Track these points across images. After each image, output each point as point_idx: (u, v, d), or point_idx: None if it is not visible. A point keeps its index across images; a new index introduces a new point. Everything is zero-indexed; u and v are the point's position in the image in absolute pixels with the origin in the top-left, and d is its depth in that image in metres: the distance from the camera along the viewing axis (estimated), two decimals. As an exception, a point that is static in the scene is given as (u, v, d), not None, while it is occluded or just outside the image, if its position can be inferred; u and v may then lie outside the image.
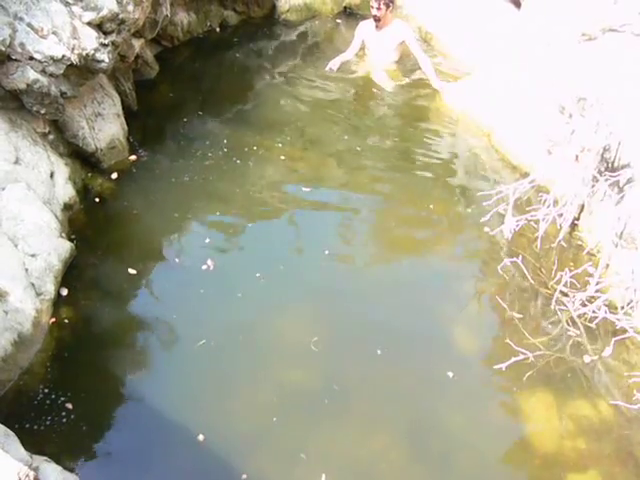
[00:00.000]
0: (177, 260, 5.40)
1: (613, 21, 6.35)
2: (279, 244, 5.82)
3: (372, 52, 8.47)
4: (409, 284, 5.64)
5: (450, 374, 4.87)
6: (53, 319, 4.65)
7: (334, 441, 4.44)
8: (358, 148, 7.07)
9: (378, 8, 8.02)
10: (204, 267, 5.33)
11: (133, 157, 6.18)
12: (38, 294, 4.56)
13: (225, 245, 5.68)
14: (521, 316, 5.37)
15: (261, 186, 6.31)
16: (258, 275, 5.34)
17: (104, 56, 5.50)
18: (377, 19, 8.14)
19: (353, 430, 4.51)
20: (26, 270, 4.56)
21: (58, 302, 4.79)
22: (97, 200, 5.70)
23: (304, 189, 6.34)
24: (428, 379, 4.91)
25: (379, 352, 4.93)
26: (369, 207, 6.43)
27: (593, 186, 5.86)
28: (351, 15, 9.70)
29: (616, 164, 5.83)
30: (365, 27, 8.44)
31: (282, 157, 6.67)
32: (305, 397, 4.64)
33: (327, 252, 5.71)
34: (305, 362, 4.85)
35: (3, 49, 4.84)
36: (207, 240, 5.59)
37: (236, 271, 5.44)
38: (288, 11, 9.20)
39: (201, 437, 4.25)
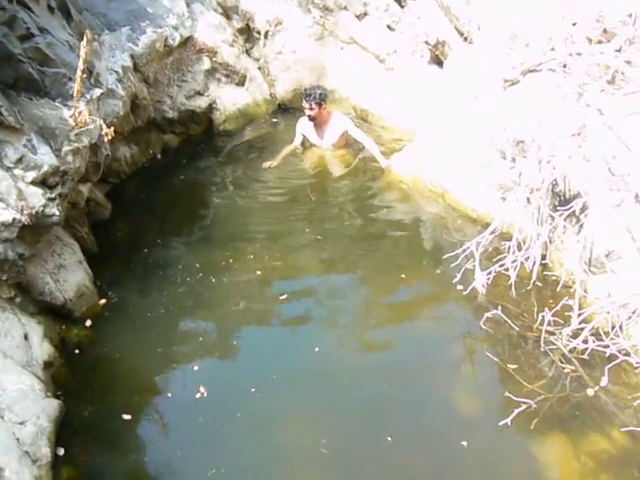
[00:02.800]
0: (169, 395, 5.31)
1: (530, 62, 6.63)
2: (268, 354, 5.76)
3: (316, 145, 8.67)
4: (401, 360, 5.63)
5: (464, 443, 4.81)
6: (54, 483, 4.55)
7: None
8: (320, 238, 7.17)
9: (311, 108, 8.21)
10: (197, 395, 5.23)
11: (103, 301, 6.13)
12: (34, 461, 4.47)
13: (214, 368, 5.61)
14: (515, 365, 5.37)
15: (239, 301, 6.30)
16: (253, 390, 5.27)
17: (54, 210, 5.57)
18: (312, 119, 8.35)
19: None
20: (17, 440, 4.47)
21: (56, 464, 4.66)
22: (77, 351, 5.62)
23: (282, 294, 6.32)
24: (442, 452, 4.85)
25: (389, 439, 4.86)
26: (346, 293, 6.49)
27: (551, 223, 5.98)
28: (286, 111, 9.98)
29: (567, 196, 5.99)
30: (304, 124, 8.63)
31: (253, 266, 6.69)
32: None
33: (317, 349, 5.66)
34: (320, 467, 4.76)
35: (-47, 228, 4.91)
36: (195, 368, 5.52)
37: (230, 391, 5.36)
38: (225, 121, 9.42)
39: None
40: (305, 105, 8.21)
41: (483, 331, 5.71)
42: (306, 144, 8.76)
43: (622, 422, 4.92)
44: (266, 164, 8.38)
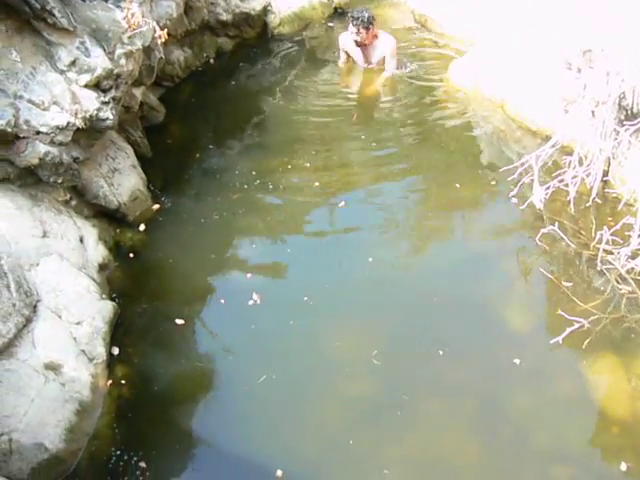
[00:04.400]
0: (222, 301, 5.37)
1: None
2: (322, 263, 5.75)
3: (361, 65, 8.37)
4: (454, 273, 5.59)
5: (516, 361, 4.79)
6: (110, 381, 4.69)
7: (413, 449, 4.40)
8: (375, 144, 7.05)
9: (358, 32, 7.81)
10: (251, 302, 5.28)
11: (156, 206, 6.18)
12: (90, 359, 4.63)
13: (267, 276, 5.65)
14: (569, 284, 5.28)
15: (295, 209, 6.28)
16: (306, 299, 5.31)
17: (107, 114, 5.55)
18: (360, 44, 8.01)
19: (430, 436, 4.47)
20: (74, 339, 4.63)
21: (111, 363, 4.83)
22: (131, 255, 5.72)
23: (338, 203, 6.28)
24: (493, 369, 4.85)
25: (441, 352, 4.87)
26: (400, 201, 6.41)
27: (616, 138, 5.74)
28: (342, 15, 9.64)
29: (635, 111, 5.71)
30: (347, 41, 8.20)
31: (310, 173, 6.64)
32: (377, 413, 4.59)
33: (371, 259, 5.64)
34: (371, 378, 4.80)
35: (10, 130, 4.92)
36: (248, 275, 5.57)
37: (283, 300, 5.39)
38: (280, 25, 9.19)
39: (279, 473, 4.22)
40: (352, 29, 7.82)
41: (539, 247, 5.60)
42: (349, 62, 8.45)
43: (677, 344, 4.83)
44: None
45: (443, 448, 4.42)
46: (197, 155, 6.89)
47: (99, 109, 5.48)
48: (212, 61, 8.60)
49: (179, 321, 5.15)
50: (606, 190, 5.96)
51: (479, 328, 5.13)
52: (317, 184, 6.47)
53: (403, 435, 4.46)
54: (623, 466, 4.21)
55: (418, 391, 4.70)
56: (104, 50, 5.56)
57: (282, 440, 4.48)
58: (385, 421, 4.53)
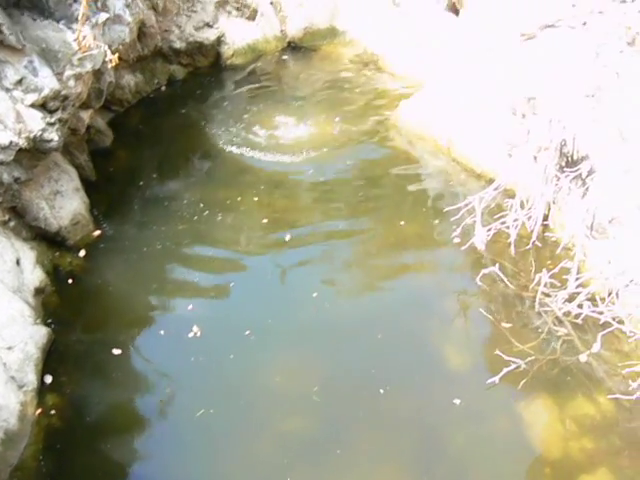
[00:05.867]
0: (162, 332, 5.30)
1: (549, 17, 6.43)
2: (266, 297, 5.72)
3: None
4: (396, 311, 5.61)
5: (456, 401, 4.82)
6: (39, 410, 4.56)
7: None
8: (324, 180, 7.10)
9: None
10: (191, 335, 5.22)
11: (98, 232, 6.08)
12: (20, 387, 4.49)
13: (209, 308, 5.58)
14: (508, 324, 5.36)
15: (239, 243, 6.25)
16: (247, 332, 5.27)
17: (53, 135, 5.49)
18: None
19: (368, 475, 4.46)
20: (4, 364, 4.49)
21: (43, 391, 4.69)
22: (70, 281, 5.61)
23: (284, 238, 6.26)
24: (432, 408, 4.87)
25: (381, 391, 4.88)
26: (345, 238, 6.43)
27: (556, 183, 5.89)
28: (296, 49, 9.74)
29: (575, 157, 5.87)
30: None
31: (257, 207, 6.61)
32: (315, 450, 4.57)
33: (315, 294, 5.64)
34: (310, 415, 4.78)
35: (-51, 146, 4.82)
36: (190, 306, 5.50)
37: (224, 332, 5.35)
38: (233, 56, 9.24)
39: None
40: None
41: (479, 287, 5.68)
42: None
43: (609, 389, 4.92)
44: None
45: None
46: (143, 182, 6.83)
47: (44, 130, 5.41)
48: (163, 88, 8.57)
49: (116, 350, 5.04)
50: (546, 234, 6.09)
51: (419, 367, 5.15)
52: (265, 220, 6.44)
53: (341, 473, 4.43)
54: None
55: (358, 429, 4.68)
56: (53, 71, 5.52)
57: (218, 475, 4.41)
58: (323, 458, 4.50)
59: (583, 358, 5.13)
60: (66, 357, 5.02)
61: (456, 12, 8.74)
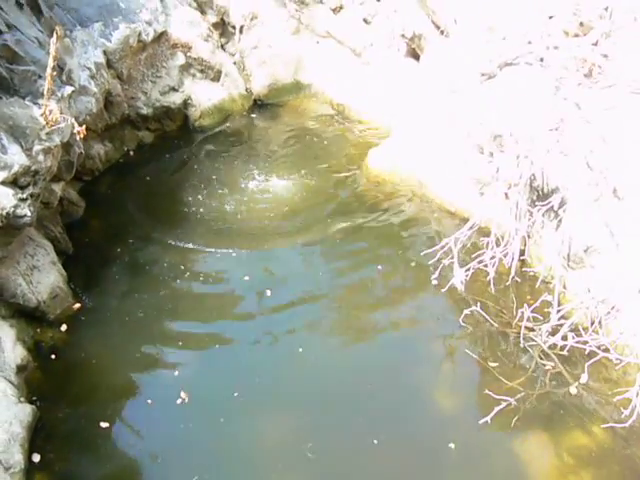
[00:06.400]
0: (149, 401, 5.20)
1: (507, 56, 6.60)
2: (252, 357, 5.67)
3: None
4: (382, 360, 5.61)
5: (451, 445, 4.80)
6: (28, 491, 4.45)
7: None
8: (300, 235, 7.09)
9: None
10: (179, 401, 5.14)
11: (77, 305, 5.99)
12: (6, 468, 4.38)
13: (196, 373, 5.50)
14: (495, 363, 5.38)
15: (222, 303, 6.20)
16: (236, 395, 5.21)
17: (25, 210, 5.46)
18: None
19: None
20: (-11, 447, 4.40)
21: (31, 470, 4.57)
22: (52, 356, 5.51)
23: (265, 293, 6.24)
24: (427, 454, 4.85)
25: (375, 442, 4.85)
26: (326, 289, 6.41)
27: (530, 218, 5.96)
28: (263, 106, 9.85)
29: (545, 191, 5.96)
30: None
31: (236, 266, 6.58)
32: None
33: (301, 350, 5.62)
34: (305, 472, 4.72)
35: None
36: (176, 373, 5.43)
37: (212, 396, 5.27)
38: (201, 117, 9.29)
39: None
40: None
41: (462, 328, 5.69)
42: None
43: (602, 418, 4.95)
44: None
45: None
46: (120, 250, 6.75)
47: (16, 206, 5.38)
48: (132, 153, 8.56)
49: (104, 424, 4.95)
50: (524, 269, 6.15)
51: (411, 414, 5.13)
52: (247, 278, 6.41)
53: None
54: None
55: (355, 482, 4.62)
56: (21, 147, 5.52)
57: None
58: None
59: (573, 390, 5.15)
60: (53, 434, 4.91)
61: (417, 58, 8.93)
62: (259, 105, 9.89)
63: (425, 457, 4.81)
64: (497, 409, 4.87)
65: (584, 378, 5.12)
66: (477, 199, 6.70)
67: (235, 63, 9.82)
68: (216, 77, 9.48)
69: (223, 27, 9.83)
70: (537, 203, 5.94)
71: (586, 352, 5.24)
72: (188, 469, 4.66)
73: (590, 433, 4.90)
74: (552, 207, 5.85)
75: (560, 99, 5.96)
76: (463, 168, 6.97)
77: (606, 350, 5.16)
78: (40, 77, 5.82)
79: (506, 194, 6.06)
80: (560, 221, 5.82)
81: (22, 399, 4.95)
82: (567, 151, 5.79)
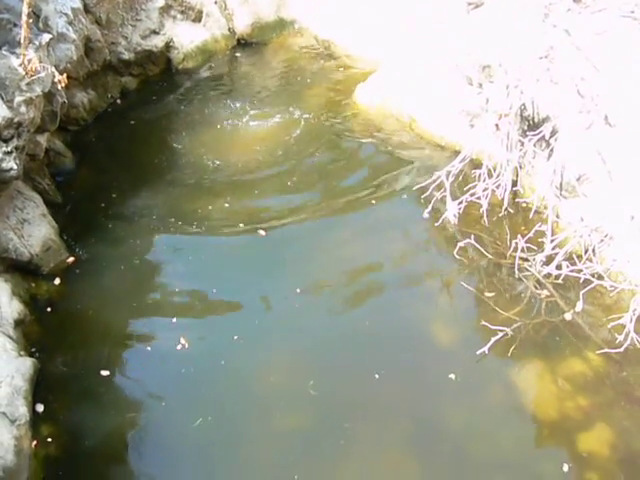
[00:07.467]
0: (148, 348, 5.22)
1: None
2: (250, 299, 5.64)
3: None
4: (378, 296, 5.64)
5: (452, 376, 4.87)
6: (35, 441, 4.48)
7: (359, 476, 4.42)
8: (288, 169, 7.06)
9: None
10: (179, 347, 5.16)
11: (72, 259, 5.94)
12: (12, 421, 4.41)
13: (194, 319, 5.50)
14: (491, 294, 5.41)
15: (217, 248, 6.18)
16: (236, 337, 5.22)
17: (11, 164, 5.39)
18: None
19: (374, 461, 4.48)
20: (-7, 402, 4.43)
21: (36, 422, 4.61)
22: (49, 309, 5.50)
23: (260, 232, 6.21)
24: (428, 386, 4.92)
25: (377, 376, 4.90)
26: (319, 228, 6.38)
27: (521, 148, 5.92)
28: (247, 45, 9.66)
29: (536, 120, 5.91)
30: None
31: (230, 212, 6.52)
32: (319, 444, 4.58)
33: (298, 290, 5.61)
34: (309, 410, 4.78)
35: None
36: (174, 320, 5.41)
37: (212, 340, 5.28)
38: (184, 60, 9.12)
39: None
40: None
41: (457, 261, 5.71)
42: None
43: (598, 344, 5.01)
44: None
45: (387, 471, 4.43)
46: (110, 199, 6.66)
47: (2, 160, 5.33)
48: (119, 101, 8.42)
49: (104, 372, 4.98)
50: (517, 199, 6.13)
51: (411, 347, 5.18)
52: (241, 225, 6.34)
53: (348, 462, 4.45)
54: (565, 467, 4.32)
55: (358, 417, 4.70)
56: (2, 99, 5.42)
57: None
58: (328, 451, 4.51)
59: (568, 317, 5.20)
60: (55, 384, 4.93)
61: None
62: (243, 45, 9.70)
63: (427, 388, 4.88)
64: (494, 339, 4.93)
65: (579, 306, 5.16)
66: (467, 131, 6.63)
67: (216, 2, 9.56)
68: (197, 18, 9.28)
69: (202, -36, 9.57)
70: (528, 133, 5.89)
71: (580, 280, 5.27)
72: (192, 412, 4.71)
73: (585, 359, 4.96)
74: (543, 136, 5.81)
75: (549, 26, 5.85)
76: (452, 100, 6.88)
77: (600, 277, 5.19)
78: (15, 25, 5.68)
79: (497, 125, 5.99)
80: (552, 150, 5.78)
81: (22, 352, 4.96)
82: (557, 79, 5.71)
